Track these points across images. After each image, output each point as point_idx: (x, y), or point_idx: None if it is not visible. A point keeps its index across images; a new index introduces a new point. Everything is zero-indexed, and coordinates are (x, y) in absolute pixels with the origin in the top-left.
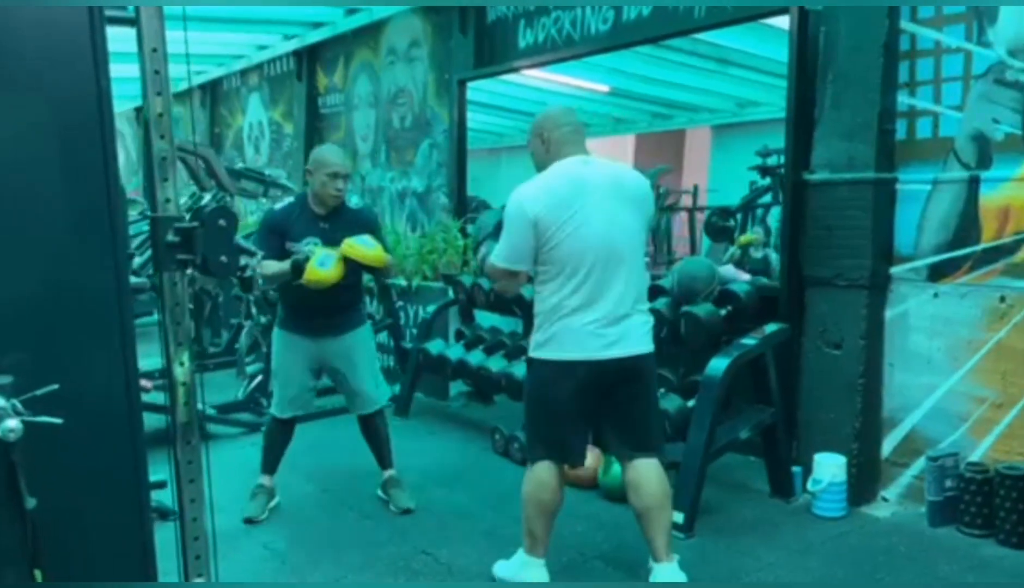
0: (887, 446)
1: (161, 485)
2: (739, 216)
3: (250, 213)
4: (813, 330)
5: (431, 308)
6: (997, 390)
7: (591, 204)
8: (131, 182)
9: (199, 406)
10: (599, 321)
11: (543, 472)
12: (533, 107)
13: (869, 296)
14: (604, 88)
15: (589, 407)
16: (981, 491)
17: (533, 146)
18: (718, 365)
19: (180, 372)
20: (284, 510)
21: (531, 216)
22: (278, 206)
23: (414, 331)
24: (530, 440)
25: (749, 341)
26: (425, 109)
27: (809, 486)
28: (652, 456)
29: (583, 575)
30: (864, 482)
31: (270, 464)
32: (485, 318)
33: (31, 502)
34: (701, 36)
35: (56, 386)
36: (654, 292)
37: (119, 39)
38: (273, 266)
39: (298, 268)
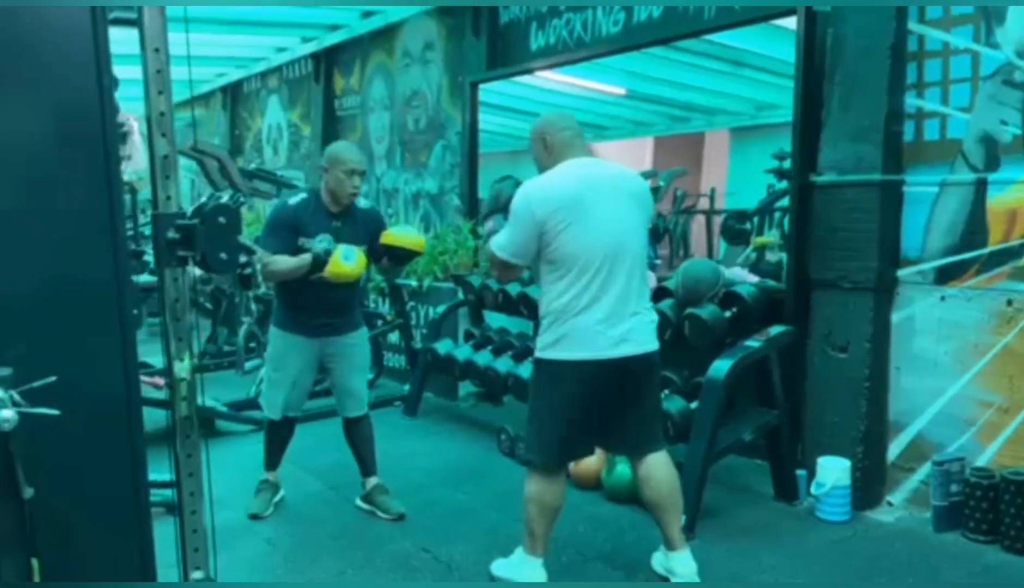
0: (893, 450)
1: (170, 485)
2: (756, 219)
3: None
4: (819, 333)
5: (441, 308)
6: (1004, 395)
7: (599, 203)
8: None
9: (212, 403)
10: (607, 319)
11: (546, 473)
12: (551, 110)
13: (875, 299)
14: (620, 91)
15: (596, 406)
16: (986, 497)
17: (536, 150)
18: (720, 367)
19: (180, 368)
20: (289, 506)
21: (538, 216)
22: (292, 200)
23: (425, 331)
24: (534, 441)
25: (753, 343)
26: (439, 111)
27: (812, 490)
28: (661, 449)
29: (583, 575)
30: (869, 486)
31: (273, 461)
32: (495, 319)
33: (28, 492)
34: (715, 38)
35: (54, 378)
36: (660, 293)
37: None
38: (288, 261)
39: (319, 262)
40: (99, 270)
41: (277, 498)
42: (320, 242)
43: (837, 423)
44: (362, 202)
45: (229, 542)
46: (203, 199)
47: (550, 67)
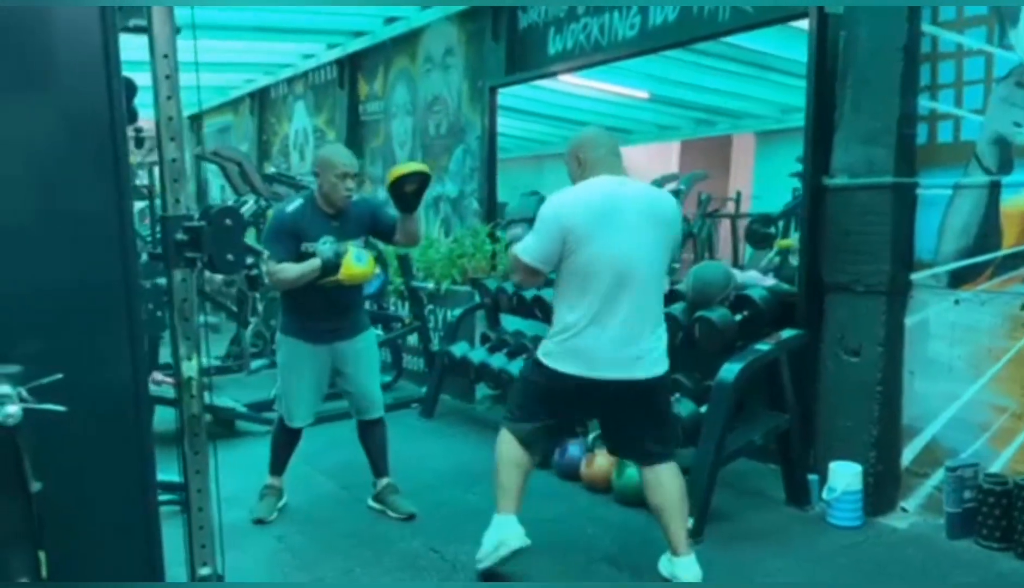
0: (907, 455)
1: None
2: (781, 223)
3: None
4: (831, 336)
5: (458, 311)
6: (1018, 400)
7: (621, 223)
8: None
9: (232, 403)
10: (613, 340)
11: (513, 438)
12: (574, 114)
13: (888, 302)
14: (644, 94)
15: (579, 416)
16: (1000, 503)
17: (570, 166)
18: (730, 370)
19: (188, 367)
20: (300, 505)
21: (565, 225)
22: (289, 208)
23: (442, 334)
24: (512, 406)
25: (763, 346)
26: (459, 116)
27: (824, 495)
28: (671, 460)
29: (589, 577)
30: (882, 492)
31: (278, 466)
32: (510, 322)
33: (36, 486)
34: (738, 41)
35: (60, 375)
36: (671, 296)
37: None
38: (295, 268)
39: (330, 266)
40: (108, 271)
41: (281, 504)
42: (323, 244)
43: (849, 428)
44: (354, 197)
45: (241, 540)
46: (247, 205)
47: (567, 71)
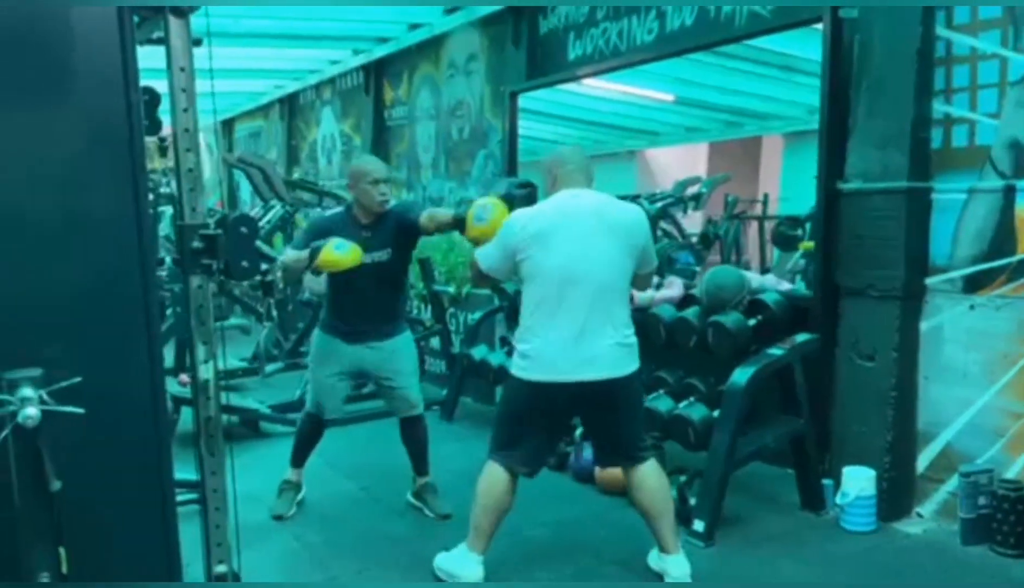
0: (922, 461)
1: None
2: (808, 225)
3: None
4: (846, 341)
5: (478, 315)
6: None
7: (570, 233)
8: (215, 193)
9: (256, 405)
10: (567, 342)
11: (499, 472)
12: (601, 117)
13: (902, 307)
14: (669, 97)
15: (558, 424)
16: (1015, 510)
17: (546, 180)
18: (742, 375)
19: (204, 370)
20: (319, 505)
21: (513, 242)
22: (327, 213)
23: (463, 337)
24: (495, 440)
25: (776, 351)
26: (482, 121)
27: (837, 499)
28: (650, 458)
29: (596, 579)
30: (897, 497)
31: (299, 458)
32: None
33: (56, 485)
34: (760, 43)
35: (79, 379)
36: (687, 301)
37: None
38: (290, 253)
39: (314, 253)
40: (126, 276)
41: (299, 497)
42: (327, 240)
43: (864, 433)
44: (392, 203)
45: (260, 538)
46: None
47: (587, 76)
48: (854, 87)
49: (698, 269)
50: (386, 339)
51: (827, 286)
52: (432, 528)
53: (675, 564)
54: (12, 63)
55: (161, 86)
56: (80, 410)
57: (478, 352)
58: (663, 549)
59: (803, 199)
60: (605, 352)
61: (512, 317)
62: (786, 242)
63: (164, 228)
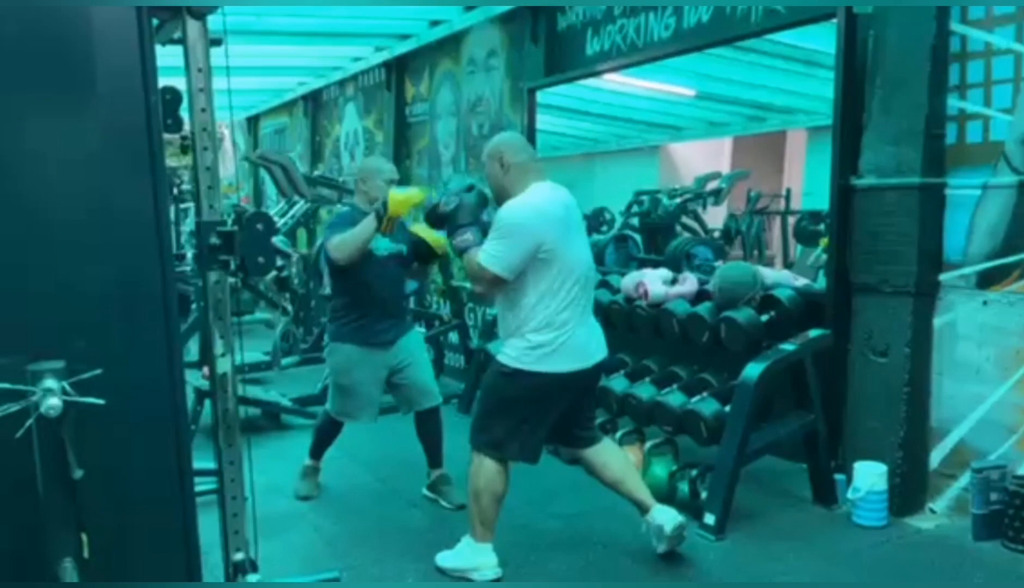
0: (935, 457)
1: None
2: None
3: None
4: (859, 337)
5: (495, 310)
6: None
7: (576, 228)
8: (242, 188)
9: (278, 398)
10: (588, 331)
11: (493, 465)
12: (623, 112)
13: (915, 303)
14: (690, 92)
15: (561, 411)
16: None
17: (491, 169)
18: (753, 370)
19: (222, 364)
20: (338, 495)
21: (539, 236)
22: (346, 209)
23: (480, 331)
24: (487, 437)
25: (788, 346)
26: (501, 117)
27: (849, 494)
28: (603, 437)
29: (607, 571)
30: (909, 492)
31: (319, 451)
32: None
33: (79, 473)
34: (781, 38)
35: (99, 371)
36: (700, 296)
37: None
38: (353, 230)
39: (380, 211)
40: (145, 271)
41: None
42: (379, 242)
43: (877, 428)
44: None
45: (281, 527)
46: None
47: (605, 72)
48: (868, 83)
49: (717, 264)
50: (406, 335)
51: (840, 282)
52: (446, 520)
53: (661, 514)
54: (39, 66)
55: (183, 84)
56: (100, 401)
57: (494, 347)
58: (643, 509)
59: (827, 194)
60: (600, 334)
61: None
62: (808, 237)
63: (189, 224)
